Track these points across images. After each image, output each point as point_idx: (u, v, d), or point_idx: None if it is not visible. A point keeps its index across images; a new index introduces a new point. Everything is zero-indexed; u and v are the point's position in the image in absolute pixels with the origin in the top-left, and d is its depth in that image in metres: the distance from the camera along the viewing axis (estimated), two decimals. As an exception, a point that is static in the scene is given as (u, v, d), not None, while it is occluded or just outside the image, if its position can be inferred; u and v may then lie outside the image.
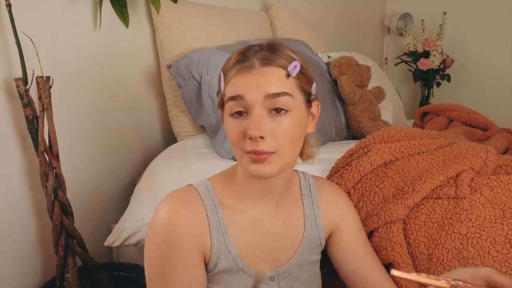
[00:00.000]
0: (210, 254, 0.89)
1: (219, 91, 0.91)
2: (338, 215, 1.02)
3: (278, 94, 0.82)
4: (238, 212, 0.92)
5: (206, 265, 0.90)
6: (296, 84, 0.85)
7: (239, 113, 0.83)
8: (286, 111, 0.83)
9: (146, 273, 0.88)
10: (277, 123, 0.82)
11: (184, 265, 0.86)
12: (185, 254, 0.86)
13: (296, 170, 1.02)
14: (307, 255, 0.98)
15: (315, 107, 0.92)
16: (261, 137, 0.81)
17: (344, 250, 1.01)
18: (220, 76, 0.89)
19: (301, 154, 0.95)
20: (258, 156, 0.82)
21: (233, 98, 0.83)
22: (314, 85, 0.91)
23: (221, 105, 0.90)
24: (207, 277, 0.90)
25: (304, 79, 0.87)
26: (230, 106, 0.84)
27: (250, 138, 0.81)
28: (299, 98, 0.86)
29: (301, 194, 1.00)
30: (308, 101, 0.89)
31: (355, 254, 1.00)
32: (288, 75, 0.84)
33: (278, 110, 0.82)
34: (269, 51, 0.85)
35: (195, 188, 0.92)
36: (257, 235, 0.93)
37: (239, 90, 0.83)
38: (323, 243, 1.01)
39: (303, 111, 0.87)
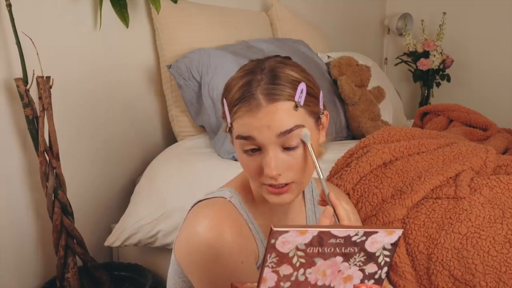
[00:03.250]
0: (257, 260, 0.90)
1: (224, 116, 0.88)
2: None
3: (291, 130, 0.79)
4: (263, 217, 0.93)
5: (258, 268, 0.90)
6: (305, 111, 0.82)
7: (253, 150, 0.82)
8: (299, 144, 0.81)
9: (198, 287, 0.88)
10: (292, 156, 0.81)
11: (234, 271, 0.85)
12: (235, 261, 0.85)
13: None
14: None
15: (324, 118, 0.88)
16: (279, 174, 0.81)
17: None
18: (223, 102, 0.86)
19: None
20: (279, 190, 0.82)
21: (243, 137, 0.81)
22: (321, 95, 0.87)
23: (229, 130, 0.86)
24: None
25: (312, 100, 0.84)
26: (241, 144, 0.82)
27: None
28: (310, 123, 0.83)
29: (304, 198, 1.00)
30: (317, 119, 0.86)
31: None
32: (297, 106, 0.80)
33: (290, 148, 0.81)
34: (272, 81, 0.81)
35: (230, 200, 0.90)
36: None
37: (249, 132, 0.80)
38: None
39: (314, 132, 0.84)
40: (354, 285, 0.63)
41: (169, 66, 1.66)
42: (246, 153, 0.82)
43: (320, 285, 0.61)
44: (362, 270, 0.62)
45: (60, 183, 1.41)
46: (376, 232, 0.60)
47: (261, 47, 1.80)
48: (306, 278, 0.60)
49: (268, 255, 0.58)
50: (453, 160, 1.26)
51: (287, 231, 0.56)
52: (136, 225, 1.51)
